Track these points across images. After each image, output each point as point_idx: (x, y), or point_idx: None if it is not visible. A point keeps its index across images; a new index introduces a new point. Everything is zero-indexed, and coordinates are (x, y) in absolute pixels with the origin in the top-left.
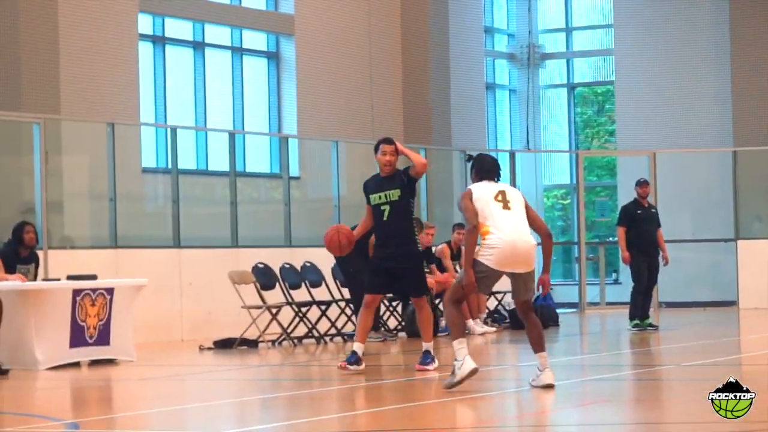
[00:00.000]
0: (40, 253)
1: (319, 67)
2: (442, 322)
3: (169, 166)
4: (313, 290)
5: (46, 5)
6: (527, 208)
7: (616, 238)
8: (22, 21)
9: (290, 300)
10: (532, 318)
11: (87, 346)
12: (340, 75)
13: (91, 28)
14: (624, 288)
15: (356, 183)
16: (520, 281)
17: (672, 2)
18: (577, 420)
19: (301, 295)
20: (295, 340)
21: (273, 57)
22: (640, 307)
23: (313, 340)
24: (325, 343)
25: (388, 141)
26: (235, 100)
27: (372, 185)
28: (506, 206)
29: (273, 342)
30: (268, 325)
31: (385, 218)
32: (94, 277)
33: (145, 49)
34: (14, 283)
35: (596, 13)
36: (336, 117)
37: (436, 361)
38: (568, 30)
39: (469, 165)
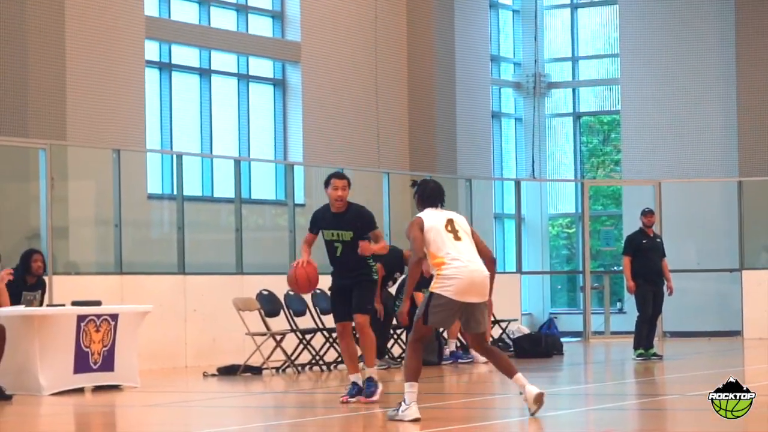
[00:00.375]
0: (45, 279)
1: (325, 95)
2: (446, 350)
3: (175, 192)
4: (322, 317)
5: (54, 31)
6: (473, 234)
7: (621, 268)
8: (30, 46)
9: (294, 327)
10: (491, 349)
11: (91, 372)
12: (346, 102)
13: (98, 54)
14: (629, 317)
15: None
16: (477, 312)
17: (678, 33)
18: None
19: (305, 322)
20: (299, 368)
21: (279, 84)
22: (644, 337)
23: (317, 368)
24: (330, 370)
25: (340, 176)
26: (241, 127)
27: (323, 222)
28: (456, 237)
29: (277, 369)
30: (272, 352)
31: (338, 254)
32: (98, 303)
33: (152, 76)
34: (18, 308)
35: (602, 43)
36: (342, 144)
37: (380, 385)
38: (575, 59)
39: (413, 190)
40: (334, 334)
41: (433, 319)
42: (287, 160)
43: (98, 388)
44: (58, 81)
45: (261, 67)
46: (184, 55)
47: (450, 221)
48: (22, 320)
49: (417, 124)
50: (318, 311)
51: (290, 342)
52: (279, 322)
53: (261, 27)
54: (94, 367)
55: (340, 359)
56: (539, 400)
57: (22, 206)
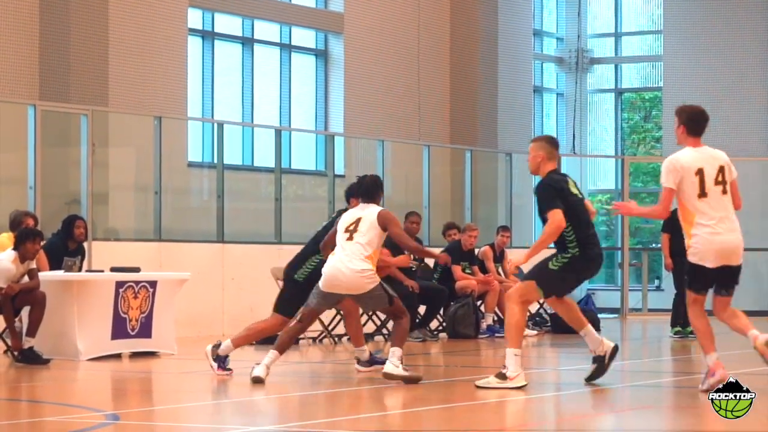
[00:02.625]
0: (85, 245)
1: (367, 66)
2: (483, 324)
3: (215, 161)
4: None
5: None
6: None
7: (659, 245)
8: (73, 13)
9: None
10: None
11: (128, 338)
12: (388, 75)
13: (141, 21)
14: (666, 295)
15: (401, 183)
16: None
17: (721, 10)
18: (615, 426)
19: None
20: (336, 338)
21: (321, 55)
22: (682, 315)
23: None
24: (366, 342)
25: None
26: (282, 97)
27: None
28: (350, 237)
29: (314, 339)
30: None
31: None
32: (137, 270)
33: (194, 44)
34: (58, 273)
35: (646, 19)
36: (383, 116)
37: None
38: (617, 35)
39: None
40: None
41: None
42: (328, 131)
43: (135, 354)
44: (101, 47)
45: (304, 37)
46: (227, 23)
47: (357, 220)
48: (61, 285)
49: (458, 98)
50: None
51: (327, 312)
52: None
53: None
54: (132, 334)
55: (378, 331)
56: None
57: (63, 171)
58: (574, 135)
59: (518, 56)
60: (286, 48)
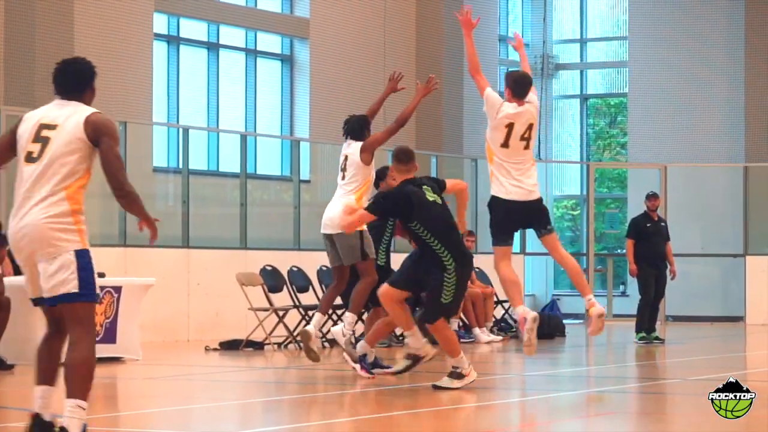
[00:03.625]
0: None
1: (332, 72)
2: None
3: (180, 166)
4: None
5: (63, 2)
6: None
7: (624, 251)
8: (38, 17)
9: (297, 303)
10: None
11: None
12: (354, 80)
13: (107, 26)
14: (631, 300)
15: None
16: None
17: (687, 16)
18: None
19: (308, 298)
20: (302, 344)
21: (287, 60)
22: (647, 320)
23: (318, 344)
24: (331, 347)
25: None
26: (248, 102)
27: None
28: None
29: (279, 345)
30: (274, 328)
31: None
32: (102, 275)
33: (160, 49)
34: (20, 278)
35: (611, 25)
36: None
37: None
38: (583, 41)
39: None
40: (338, 312)
41: None
42: (293, 136)
43: (100, 360)
44: (66, 52)
45: (269, 42)
46: (193, 28)
47: None
48: (24, 290)
49: (424, 103)
50: (323, 287)
51: (293, 318)
52: (282, 298)
53: (270, 2)
54: (96, 339)
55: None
56: None
57: None
58: (539, 141)
59: (484, 62)
60: (252, 53)
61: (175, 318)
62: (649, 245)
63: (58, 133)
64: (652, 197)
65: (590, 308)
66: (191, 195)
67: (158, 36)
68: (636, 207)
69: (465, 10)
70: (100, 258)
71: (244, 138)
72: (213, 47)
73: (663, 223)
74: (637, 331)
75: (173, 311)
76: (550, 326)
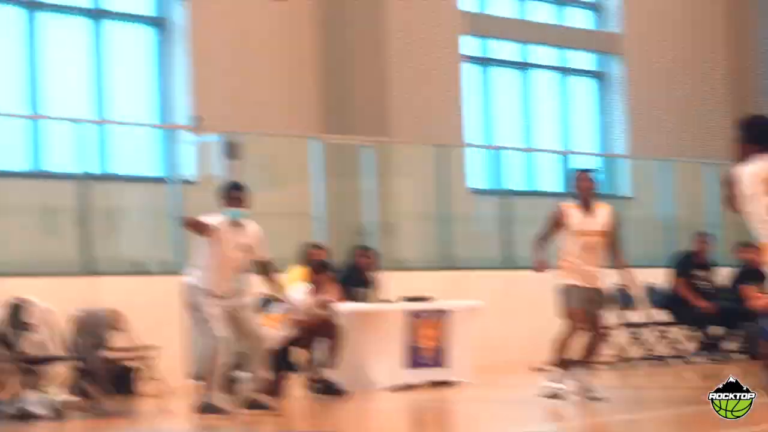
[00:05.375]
0: (374, 275)
1: (648, 88)
2: None
3: (497, 186)
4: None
5: (377, 32)
6: None
7: None
8: (357, 47)
9: (624, 321)
10: None
11: (423, 367)
12: (671, 95)
13: (419, 52)
14: None
15: (684, 202)
16: None
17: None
18: None
19: (634, 316)
20: (630, 362)
21: (600, 77)
22: None
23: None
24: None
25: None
26: (563, 121)
27: None
28: None
29: (607, 364)
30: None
31: None
32: (429, 299)
33: (471, 71)
34: (350, 305)
35: None
36: (668, 136)
37: None
38: None
39: None
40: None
41: None
42: (611, 153)
43: (430, 384)
44: (381, 79)
45: (581, 59)
46: (503, 49)
47: None
48: (354, 317)
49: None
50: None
51: (619, 336)
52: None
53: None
54: (426, 363)
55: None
56: None
57: (345, 202)
58: None
59: None
60: (563, 71)
61: (502, 339)
62: None
63: None
64: None
65: None
66: (510, 215)
67: (469, 58)
68: None
69: None
70: (422, 281)
71: (562, 156)
72: (524, 67)
73: None
74: None
75: (499, 333)
76: None
